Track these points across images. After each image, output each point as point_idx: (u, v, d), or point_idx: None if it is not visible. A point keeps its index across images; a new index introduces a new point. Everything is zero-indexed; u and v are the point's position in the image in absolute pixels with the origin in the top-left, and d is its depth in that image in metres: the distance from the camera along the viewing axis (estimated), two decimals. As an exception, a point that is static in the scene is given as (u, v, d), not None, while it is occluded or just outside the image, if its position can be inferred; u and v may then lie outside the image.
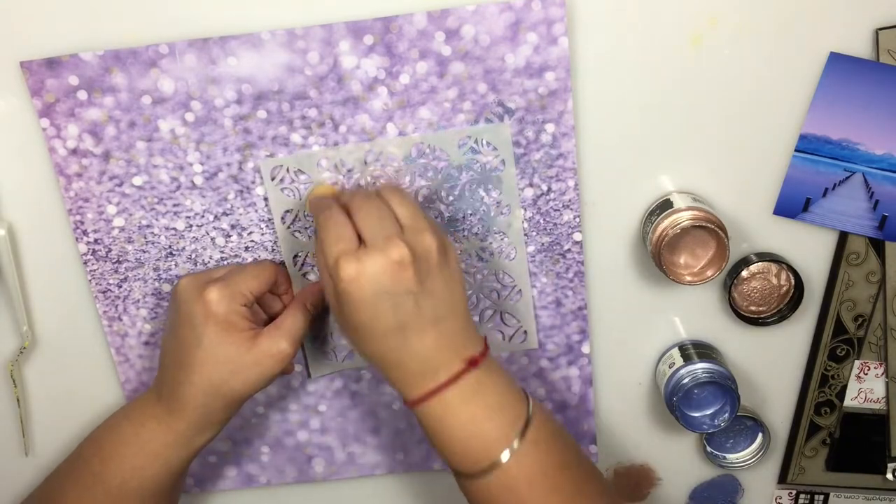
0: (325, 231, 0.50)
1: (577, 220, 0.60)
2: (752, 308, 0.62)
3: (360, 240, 0.50)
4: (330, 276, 0.49)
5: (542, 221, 0.60)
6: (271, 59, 0.54)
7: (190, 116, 0.55)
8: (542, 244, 0.60)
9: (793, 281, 0.60)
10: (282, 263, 0.60)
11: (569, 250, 0.61)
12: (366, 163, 0.57)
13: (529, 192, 0.59)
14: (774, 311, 0.61)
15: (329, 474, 0.69)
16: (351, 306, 0.49)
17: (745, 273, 0.60)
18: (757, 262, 0.60)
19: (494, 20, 0.53)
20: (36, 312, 0.62)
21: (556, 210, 0.59)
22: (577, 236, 0.60)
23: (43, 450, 0.67)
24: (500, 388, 0.52)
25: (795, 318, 0.63)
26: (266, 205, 0.58)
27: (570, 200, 0.59)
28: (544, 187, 0.59)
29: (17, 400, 0.64)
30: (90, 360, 0.64)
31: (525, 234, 0.60)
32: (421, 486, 0.71)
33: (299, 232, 0.59)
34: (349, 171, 0.57)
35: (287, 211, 0.58)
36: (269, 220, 0.59)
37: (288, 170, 0.57)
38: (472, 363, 0.51)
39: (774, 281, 0.60)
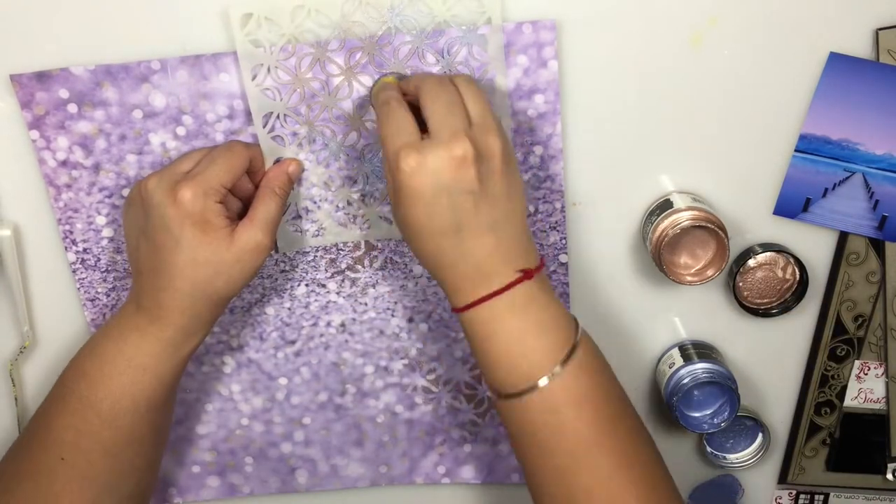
0: (386, 123, 0.48)
1: (564, 241, 0.60)
2: (757, 300, 0.61)
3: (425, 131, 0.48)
4: (389, 168, 0.47)
5: None
6: None
7: (181, 130, 0.55)
8: None
9: (798, 275, 0.60)
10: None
11: (554, 272, 0.61)
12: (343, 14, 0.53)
13: None
14: (778, 303, 0.61)
15: (312, 486, 0.69)
16: (409, 200, 0.47)
17: (751, 262, 0.60)
18: (762, 252, 0.59)
19: (485, 42, 0.53)
20: (37, 313, 0.62)
21: (542, 231, 0.60)
22: (563, 258, 0.60)
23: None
24: (551, 307, 0.50)
25: (796, 318, 0.63)
26: None
27: (556, 222, 0.59)
28: (531, 208, 0.59)
29: (16, 399, 0.64)
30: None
31: None
32: (403, 500, 0.71)
33: (270, 90, 0.54)
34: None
35: (259, 64, 0.53)
36: None
37: (259, 19, 0.52)
38: (527, 275, 0.49)
39: (780, 274, 0.60)
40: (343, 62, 0.54)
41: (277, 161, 0.56)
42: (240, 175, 0.54)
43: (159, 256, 0.51)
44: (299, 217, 0.59)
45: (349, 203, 0.58)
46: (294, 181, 0.57)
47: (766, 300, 0.61)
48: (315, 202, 0.58)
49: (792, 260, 0.59)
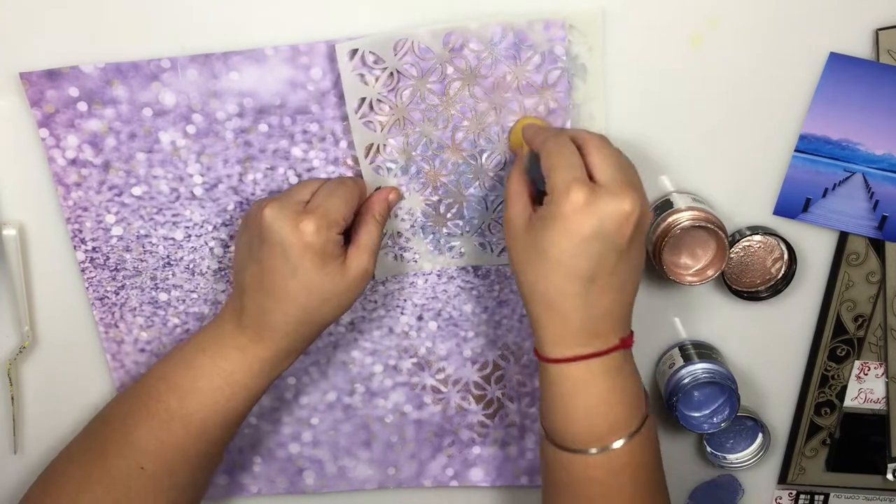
0: (557, 154, 0.48)
1: None
2: (746, 280, 0.61)
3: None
4: (554, 192, 0.47)
5: None
6: (274, 74, 0.54)
7: (191, 129, 0.56)
8: None
9: (786, 257, 0.60)
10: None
11: None
12: (444, 45, 0.54)
13: None
14: (768, 286, 0.61)
15: (319, 487, 0.69)
16: (562, 230, 0.46)
17: (739, 247, 0.60)
18: (750, 235, 0.59)
19: (497, 40, 0.53)
20: (38, 313, 0.62)
21: None
22: None
23: (32, 449, 0.66)
24: (634, 376, 0.52)
25: (795, 318, 0.64)
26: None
27: None
28: None
29: (12, 398, 0.64)
30: (87, 363, 0.64)
31: None
32: (411, 502, 0.71)
33: (372, 123, 0.55)
34: (428, 54, 0.54)
35: (362, 98, 0.54)
36: None
37: (363, 55, 0.53)
38: (624, 343, 0.51)
39: (769, 261, 0.60)
40: (442, 92, 0.54)
41: (377, 189, 0.57)
42: (356, 208, 0.55)
43: (271, 280, 0.52)
44: (395, 244, 0.60)
45: (445, 232, 0.60)
46: (392, 208, 0.58)
47: (749, 279, 0.61)
48: (411, 229, 0.59)
49: (783, 246, 0.59)
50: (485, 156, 0.57)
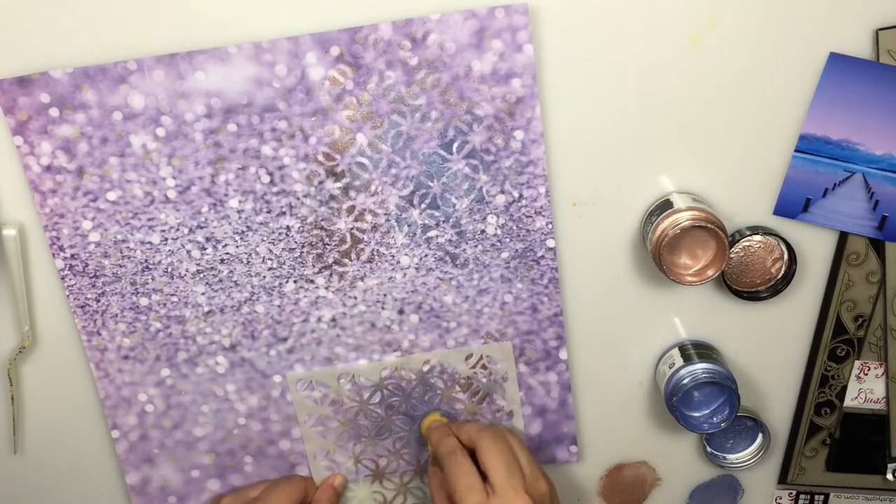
0: (457, 476, 0.57)
1: (550, 226, 0.60)
2: (746, 280, 0.61)
3: (485, 477, 0.57)
4: None
5: (514, 228, 0.60)
6: (239, 73, 0.54)
7: (161, 131, 0.56)
8: (516, 251, 0.61)
9: (786, 257, 0.60)
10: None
11: (542, 257, 0.61)
12: (382, 378, 0.64)
13: (501, 199, 0.59)
14: (769, 286, 0.61)
15: None
16: None
17: (739, 247, 0.60)
18: (750, 235, 0.59)
19: (459, 28, 0.54)
20: (38, 313, 0.62)
21: (528, 217, 0.60)
22: (551, 242, 0.60)
23: (32, 449, 0.66)
24: None
25: (795, 318, 0.64)
26: (240, 217, 0.59)
27: (541, 207, 0.59)
28: (516, 194, 0.59)
29: (12, 398, 0.64)
30: (87, 363, 0.64)
31: (499, 241, 0.60)
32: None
33: (318, 432, 0.66)
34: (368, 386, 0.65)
35: (309, 415, 0.65)
36: (243, 231, 0.59)
37: (311, 382, 0.64)
38: None
39: (769, 261, 0.60)
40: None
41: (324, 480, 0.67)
42: (301, 500, 0.65)
43: None
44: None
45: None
46: (340, 492, 0.68)
47: (749, 279, 0.61)
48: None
49: (783, 246, 0.59)
50: (455, 146, 0.57)
